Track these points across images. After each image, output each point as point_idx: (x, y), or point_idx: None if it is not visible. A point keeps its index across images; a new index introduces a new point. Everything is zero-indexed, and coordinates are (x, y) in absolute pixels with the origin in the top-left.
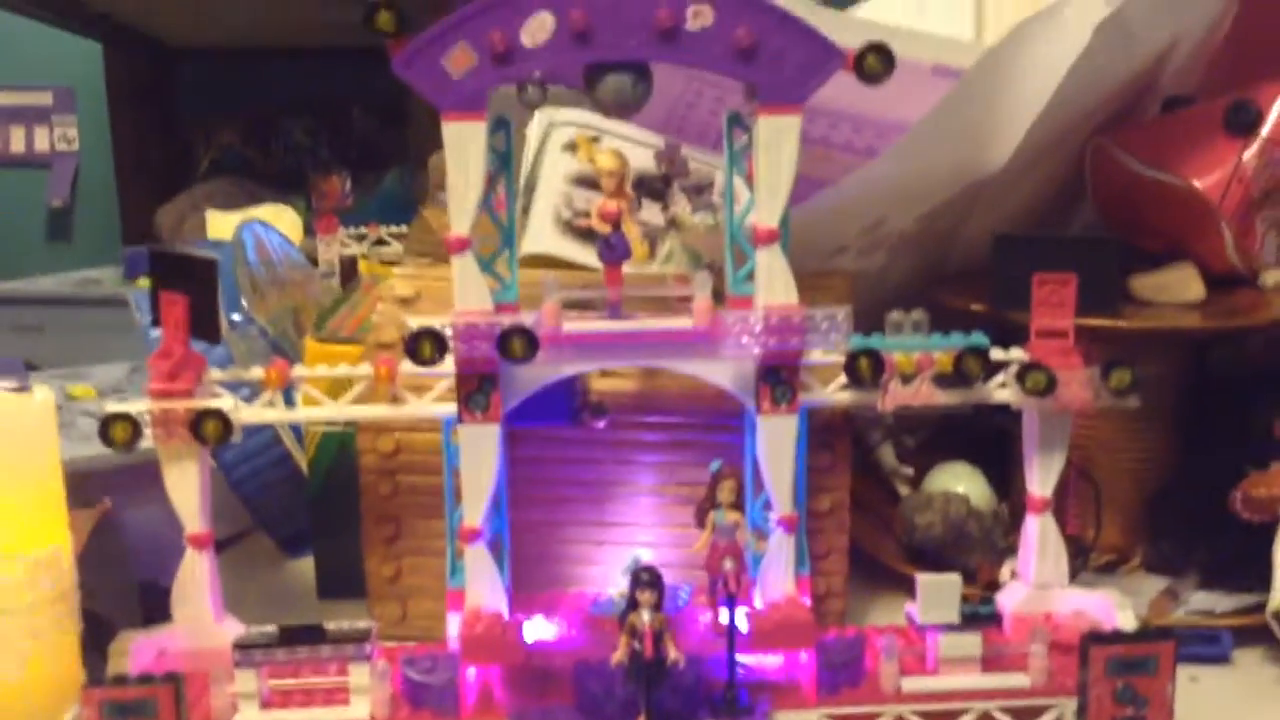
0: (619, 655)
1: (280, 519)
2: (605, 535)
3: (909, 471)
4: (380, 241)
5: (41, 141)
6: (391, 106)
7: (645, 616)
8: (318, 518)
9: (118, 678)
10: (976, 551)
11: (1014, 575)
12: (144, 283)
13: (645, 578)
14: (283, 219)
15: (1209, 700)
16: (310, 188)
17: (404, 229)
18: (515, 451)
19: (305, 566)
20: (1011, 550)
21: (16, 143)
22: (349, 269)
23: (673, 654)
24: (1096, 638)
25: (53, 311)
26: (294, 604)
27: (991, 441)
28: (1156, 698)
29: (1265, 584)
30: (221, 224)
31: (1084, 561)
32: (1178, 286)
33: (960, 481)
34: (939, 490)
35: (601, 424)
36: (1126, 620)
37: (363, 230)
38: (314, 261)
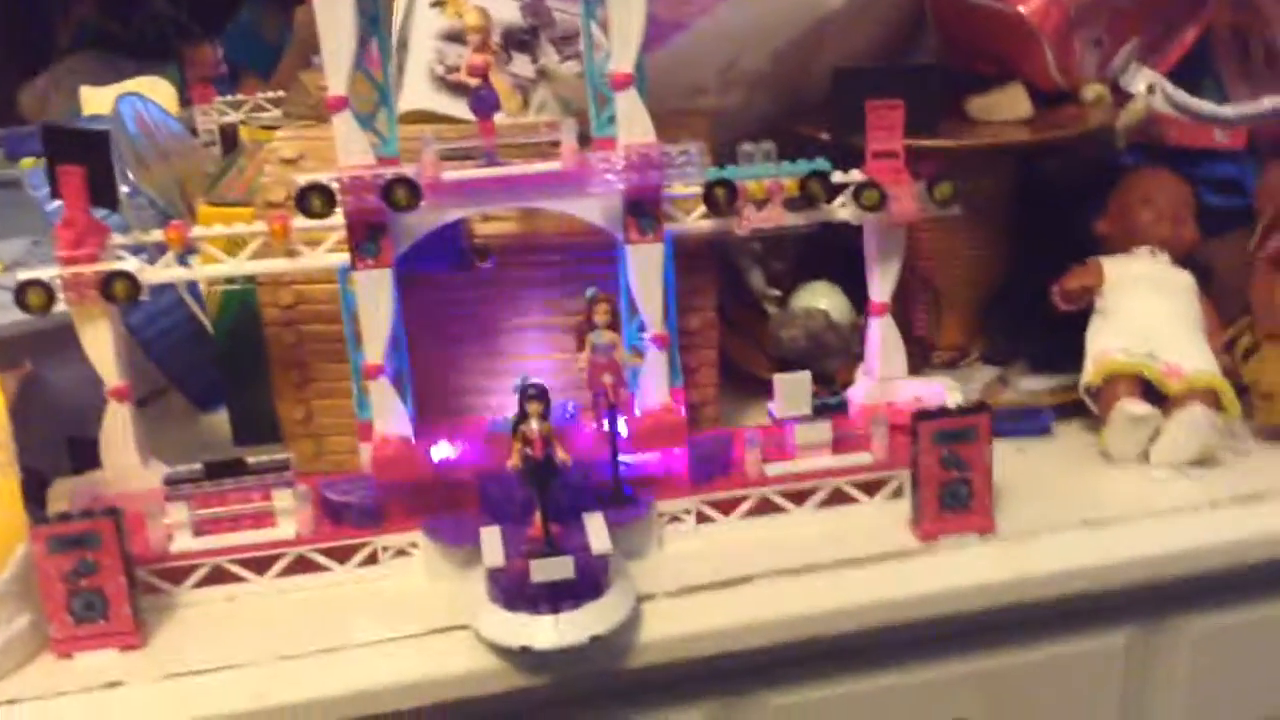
0: (514, 460)
1: (191, 376)
2: (498, 366)
3: (776, 293)
4: (259, 108)
5: None
6: None
7: (534, 425)
8: (227, 371)
9: (62, 515)
10: (835, 358)
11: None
12: (28, 163)
13: (532, 391)
14: (158, 90)
15: (1034, 467)
16: (181, 57)
17: (280, 94)
18: (409, 297)
19: (219, 419)
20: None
21: None
22: (228, 137)
23: (561, 455)
24: (923, 414)
25: None
26: (212, 453)
27: (849, 261)
28: (976, 461)
29: (1081, 367)
30: (96, 100)
31: (929, 359)
32: (1008, 105)
33: (821, 298)
34: (802, 307)
35: (487, 265)
36: (956, 402)
37: (239, 97)
38: (193, 131)
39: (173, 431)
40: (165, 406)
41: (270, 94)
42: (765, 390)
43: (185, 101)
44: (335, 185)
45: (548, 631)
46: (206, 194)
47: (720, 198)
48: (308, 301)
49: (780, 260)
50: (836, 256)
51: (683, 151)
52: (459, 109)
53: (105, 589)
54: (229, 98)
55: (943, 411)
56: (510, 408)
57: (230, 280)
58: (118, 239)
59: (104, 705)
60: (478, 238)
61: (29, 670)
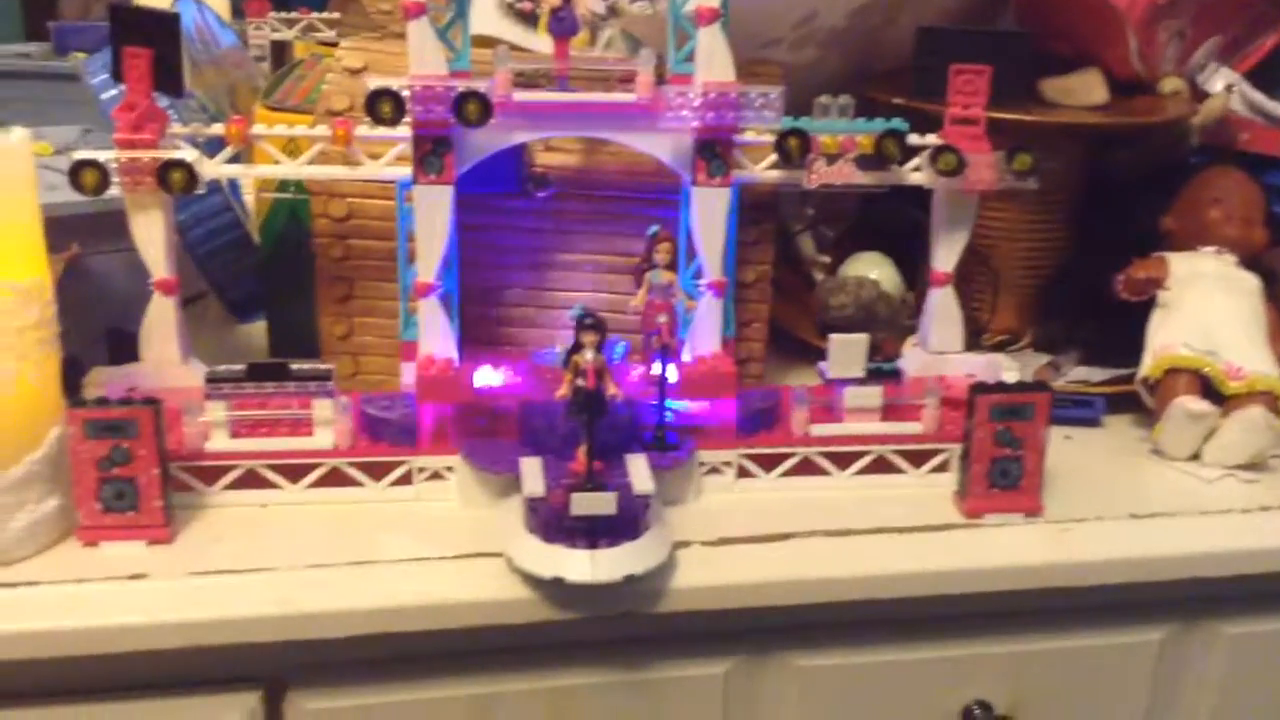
0: (563, 390)
1: (231, 283)
2: (546, 300)
3: (826, 260)
4: (311, 26)
5: None
6: None
7: (589, 355)
8: (269, 281)
9: (100, 399)
10: (883, 330)
11: (915, 346)
12: (78, 56)
13: (588, 321)
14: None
15: (1083, 456)
16: None
17: (334, 15)
18: (463, 219)
19: (255, 330)
20: (914, 330)
21: None
22: (277, 53)
23: (612, 389)
24: (981, 387)
25: None
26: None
27: (903, 236)
28: (1032, 440)
29: (1138, 360)
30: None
31: (979, 341)
32: (1083, 90)
33: (873, 268)
34: (853, 275)
35: (544, 195)
36: (1011, 379)
37: (292, 14)
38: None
39: (208, 338)
40: (202, 312)
41: (324, 15)
42: (807, 355)
43: (238, 13)
44: (406, 93)
45: (583, 565)
46: (265, 98)
47: (793, 148)
48: (359, 215)
49: (830, 227)
50: (887, 228)
51: (762, 93)
52: (525, 38)
53: (138, 479)
54: (283, 14)
55: (1002, 386)
56: (554, 340)
57: (282, 188)
58: (176, 129)
59: (126, 596)
60: (538, 166)
61: (52, 554)
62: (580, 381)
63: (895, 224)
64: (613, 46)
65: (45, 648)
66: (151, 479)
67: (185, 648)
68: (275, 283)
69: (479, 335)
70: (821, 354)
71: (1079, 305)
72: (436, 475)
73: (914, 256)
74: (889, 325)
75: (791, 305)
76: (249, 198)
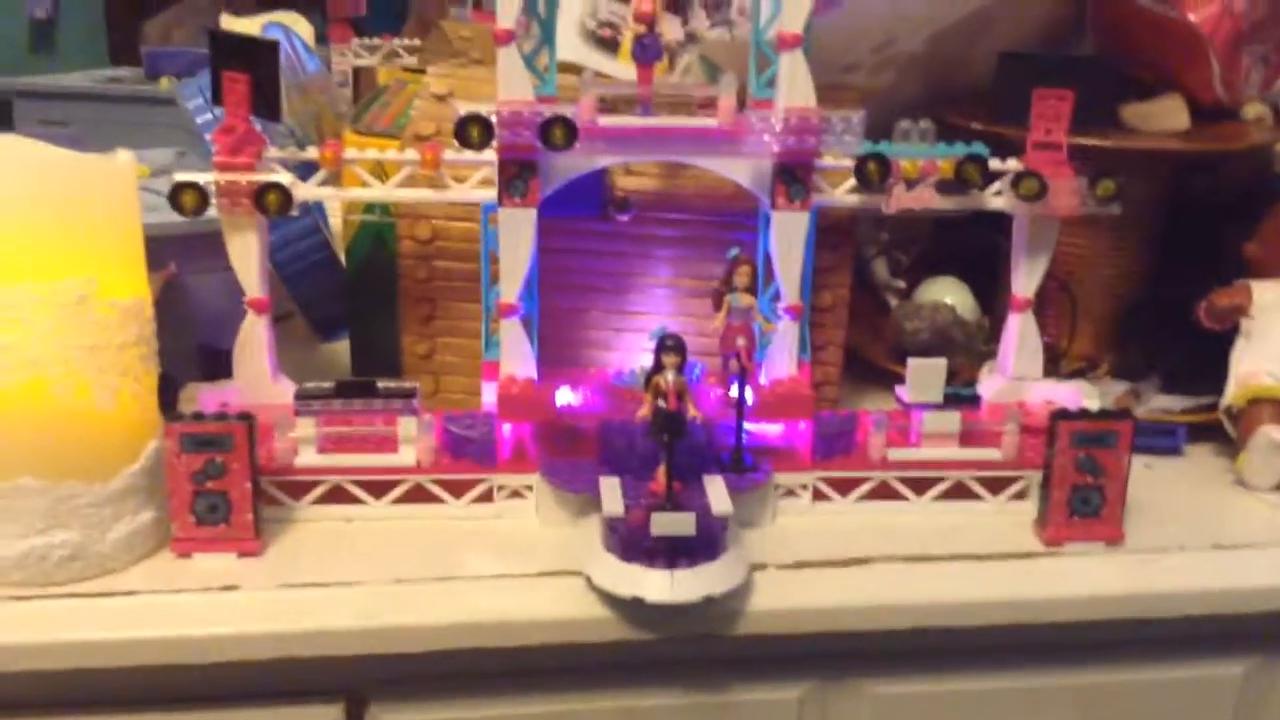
0: (644, 410)
1: (317, 303)
2: (624, 323)
3: (900, 285)
4: (394, 53)
5: None
6: None
7: (670, 376)
8: (354, 301)
9: (196, 414)
10: (959, 355)
11: (992, 372)
12: (165, 82)
13: (670, 342)
14: (299, 26)
15: (1164, 485)
16: None
17: (415, 42)
18: (544, 243)
19: (338, 349)
20: (990, 355)
21: None
22: (358, 79)
23: (691, 411)
24: (1063, 414)
25: (80, 106)
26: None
27: (978, 260)
28: (1114, 468)
29: (1220, 388)
30: (238, 28)
31: (1056, 367)
32: (1165, 116)
33: (948, 293)
34: (928, 301)
35: (625, 218)
36: (1092, 407)
37: (375, 41)
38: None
39: (294, 356)
40: (288, 331)
41: (407, 42)
42: (880, 380)
43: (322, 40)
44: (493, 118)
45: (662, 586)
46: (353, 123)
47: (872, 172)
48: (443, 237)
49: (904, 252)
50: (961, 253)
51: (843, 118)
52: (606, 64)
53: (230, 493)
54: (366, 40)
55: (1084, 413)
56: (632, 362)
57: (368, 211)
58: (272, 152)
59: (219, 607)
60: (619, 190)
61: (148, 565)
62: (661, 403)
63: (970, 248)
64: (690, 73)
65: (143, 656)
66: (243, 493)
67: (272, 659)
68: (359, 303)
69: (558, 356)
70: (895, 378)
71: (1159, 332)
72: (516, 493)
73: (989, 280)
74: (964, 350)
75: (865, 329)
76: (334, 220)
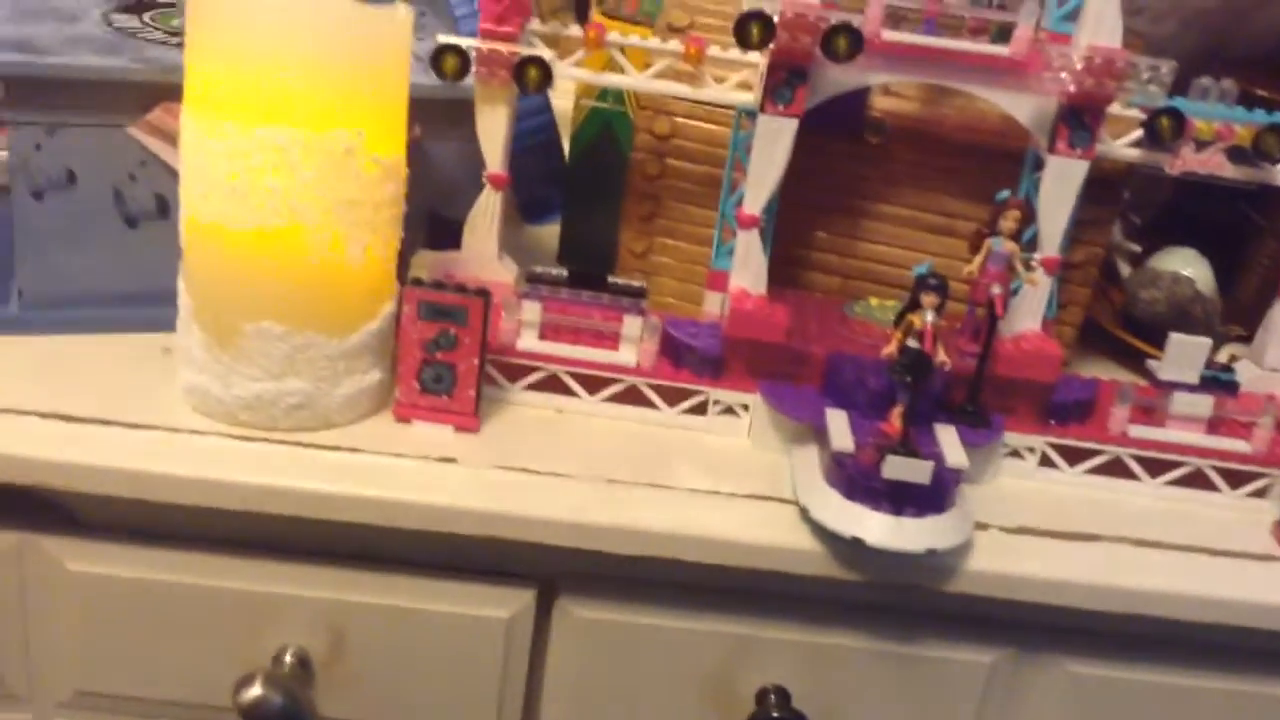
0: (891, 348)
1: (530, 184)
2: (854, 250)
3: (1136, 249)
4: None
5: None
6: None
7: (928, 316)
8: (572, 188)
9: (437, 283)
10: (1195, 334)
11: (1232, 359)
12: None
13: (933, 281)
14: None
15: None
16: None
17: None
18: None
19: (544, 233)
20: (1226, 339)
21: None
22: None
23: (941, 356)
24: None
25: None
26: (536, 265)
27: (1219, 234)
28: None
29: None
30: None
31: None
32: None
33: (1189, 266)
34: (1167, 270)
35: (876, 142)
36: None
37: None
38: None
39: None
40: None
41: None
42: (1099, 343)
43: None
44: (776, 18)
45: (886, 530)
46: (599, 5)
47: (1164, 128)
48: (681, 135)
49: (1140, 215)
50: (1200, 223)
51: (1152, 66)
52: None
53: (458, 366)
54: None
55: None
56: (862, 291)
57: (601, 97)
58: (536, 25)
59: (436, 477)
60: (876, 111)
61: (368, 424)
62: (913, 343)
63: (1213, 219)
64: None
65: (359, 514)
66: (470, 368)
67: (480, 535)
68: (577, 190)
69: (779, 275)
70: (1119, 344)
71: None
72: (730, 410)
73: (1229, 256)
74: (1203, 329)
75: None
76: (558, 102)
